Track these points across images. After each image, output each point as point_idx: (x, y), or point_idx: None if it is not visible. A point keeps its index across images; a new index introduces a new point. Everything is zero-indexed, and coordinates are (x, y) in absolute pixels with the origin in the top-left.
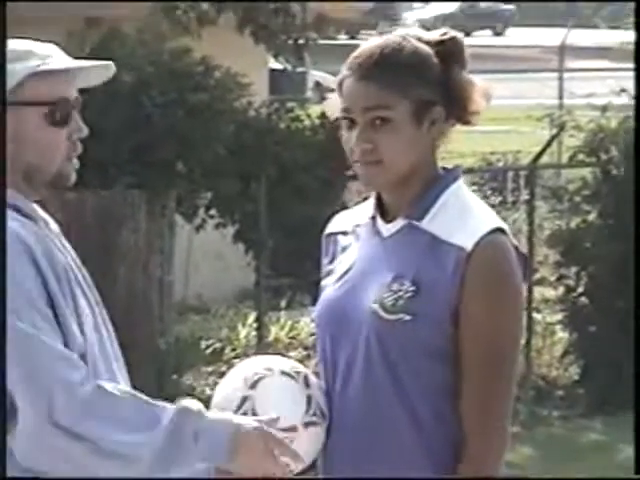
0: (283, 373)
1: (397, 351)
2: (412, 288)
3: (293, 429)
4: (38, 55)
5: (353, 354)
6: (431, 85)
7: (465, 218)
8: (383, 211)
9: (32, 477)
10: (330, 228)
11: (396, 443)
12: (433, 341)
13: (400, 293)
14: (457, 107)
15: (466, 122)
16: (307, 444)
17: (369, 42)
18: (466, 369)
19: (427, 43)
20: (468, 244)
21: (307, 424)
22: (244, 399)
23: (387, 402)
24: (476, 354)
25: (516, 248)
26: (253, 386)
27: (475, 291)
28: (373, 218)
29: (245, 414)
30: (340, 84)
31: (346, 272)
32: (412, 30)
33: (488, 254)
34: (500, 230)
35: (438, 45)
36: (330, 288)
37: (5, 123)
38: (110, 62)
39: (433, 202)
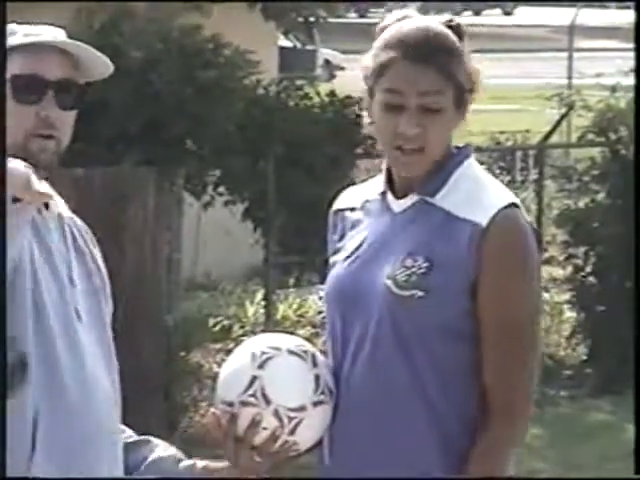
0: (291, 352)
1: (409, 327)
2: (425, 264)
3: (303, 409)
4: (22, 32)
5: (364, 330)
6: (464, 71)
7: (478, 194)
8: (393, 187)
9: (32, 477)
10: (338, 204)
11: (406, 420)
12: (446, 318)
13: (413, 269)
14: (471, 93)
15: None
16: (316, 423)
17: (407, 24)
18: (488, 339)
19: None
20: (483, 220)
21: (316, 403)
22: (253, 379)
23: (398, 379)
24: (496, 326)
25: (529, 224)
26: (262, 366)
27: (492, 265)
28: (383, 194)
29: (254, 394)
30: (386, 65)
31: (357, 248)
32: (411, 13)
33: (504, 228)
34: (514, 205)
35: (457, 28)
36: (340, 264)
37: (5, 121)
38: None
39: (446, 179)
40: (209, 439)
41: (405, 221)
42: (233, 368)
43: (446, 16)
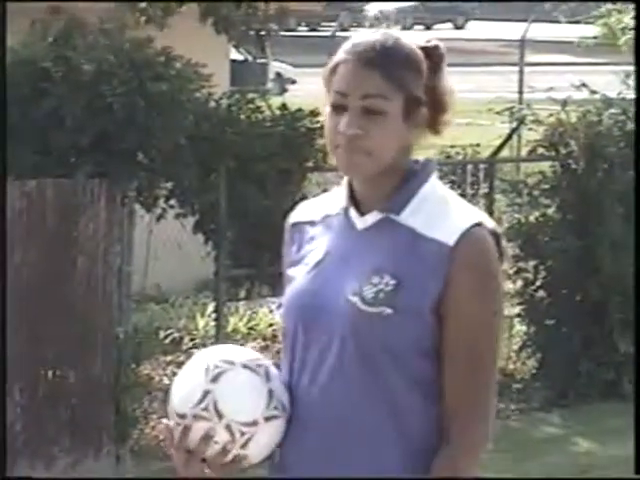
0: (244, 367)
1: (375, 344)
2: (393, 282)
3: (254, 423)
4: None
5: (326, 346)
6: (422, 86)
7: (445, 212)
8: (356, 203)
9: (32, 477)
10: (295, 217)
11: (369, 436)
12: (414, 335)
13: (381, 286)
14: (436, 115)
15: (436, 131)
16: (268, 437)
17: (365, 34)
18: (451, 359)
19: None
20: (450, 239)
21: (268, 418)
22: (206, 393)
23: (362, 395)
24: (461, 344)
25: (494, 232)
26: (215, 380)
27: (459, 285)
28: (345, 210)
29: (206, 408)
30: (335, 68)
31: (318, 263)
32: (395, 32)
33: (471, 249)
34: (480, 224)
35: (423, 51)
36: (301, 279)
37: (6, 123)
38: None
39: (411, 196)
40: (160, 450)
41: (369, 238)
42: (186, 381)
43: (425, 37)
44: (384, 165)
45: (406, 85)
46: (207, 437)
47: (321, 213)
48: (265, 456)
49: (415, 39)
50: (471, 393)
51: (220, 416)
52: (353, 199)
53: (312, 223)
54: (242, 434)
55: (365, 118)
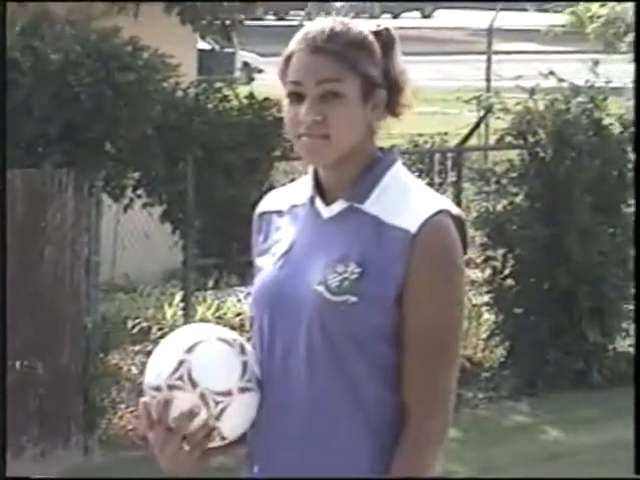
0: (220, 339)
1: (341, 333)
2: (358, 270)
3: (228, 393)
4: None
5: (294, 335)
6: (377, 67)
7: (408, 200)
8: (321, 192)
9: (31, 477)
10: (263, 207)
11: (336, 423)
12: (379, 323)
13: (345, 275)
14: (393, 97)
15: (396, 114)
16: (241, 409)
17: (316, 22)
18: (411, 348)
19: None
20: (412, 226)
21: (242, 389)
22: (180, 363)
23: (329, 383)
24: (421, 333)
25: (458, 218)
26: (189, 350)
27: (420, 273)
28: (311, 199)
29: (181, 377)
30: (288, 58)
31: (285, 253)
32: (344, 18)
33: (432, 236)
34: (443, 211)
35: (375, 35)
36: (269, 268)
37: (5, 124)
38: None
39: (375, 184)
40: (129, 439)
41: (335, 227)
42: (161, 355)
43: (370, 21)
44: (346, 149)
45: (359, 66)
46: (192, 414)
47: (288, 203)
48: (237, 435)
49: (366, 25)
50: (431, 383)
51: (194, 385)
52: (319, 188)
53: (279, 213)
54: (216, 403)
55: (323, 103)
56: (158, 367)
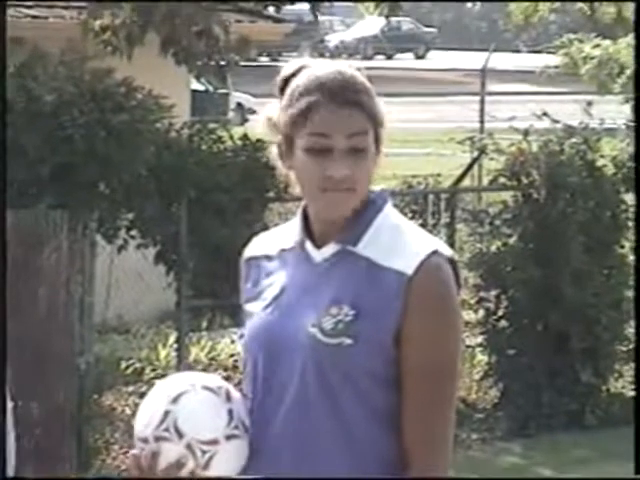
0: (205, 388)
1: (336, 375)
2: (352, 312)
3: (215, 442)
4: None
5: (288, 379)
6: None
7: (401, 241)
8: (311, 235)
9: (35, 477)
10: (250, 252)
11: (331, 465)
12: (374, 365)
13: (339, 317)
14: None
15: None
16: (229, 457)
17: (318, 70)
18: (408, 390)
19: None
20: (408, 269)
21: (229, 437)
22: (166, 413)
23: (324, 426)
24: (419, 375)
25: (451, 260)
26: (175, 401)
27: (418, 315)
28: (301, 243)
29: (167, 428)
30: (309, 110)
31: (277, 297)
32: (308, 61)
33: (430, 278)
34: (437, 253)
35: None
36: (261, 313)
37: (6, 125)
38: None
39: (367, 226)
40: (127, 475)
41: (327, 270)
42: (148, 406)
43: (346, 62)
44: (362, 199)
45: (375, 115)
46: (179, 464)
47: (276, 247)
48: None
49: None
50: (430, 426)
51: (180, 435)
52: (308, 231)
53: (268, 257)
54: (203, 453)
55: (351, 157)
56: (145, 418)
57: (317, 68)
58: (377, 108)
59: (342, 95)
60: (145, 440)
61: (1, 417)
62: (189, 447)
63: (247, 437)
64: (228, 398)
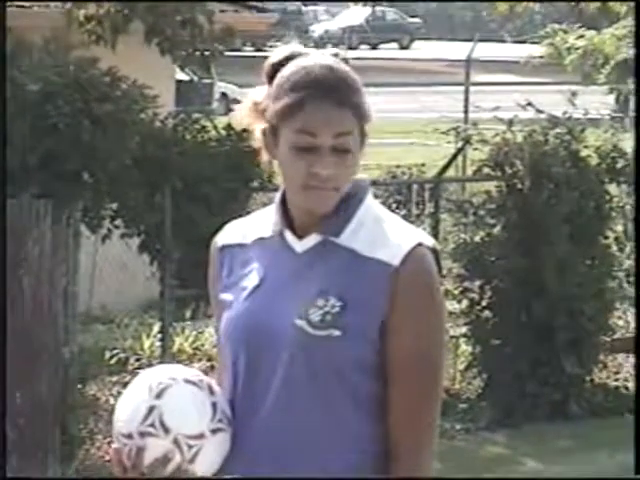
0: (187, 381)
1: (325, 367)
2: (339, 303)
3: (201, 436)
4: None
5: (272, 370)
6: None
7: (384, 233)
8: (291, 225)
9: (31, 477)
10: (223, 239)
11: (317, 457)
12: (363, 355)
13: (327, 309)
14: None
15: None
16: (214, 450)
17: (309, 63)
18: (395, 380)
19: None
20: (394, 260)
21: (214, 430)
22: (151, 409)
23: (313, 418)
24: (406, 365)
25: (434, 250)
26: (159, 396)
27: (404, 305)
28: (280, 232)
29: (152, 424)
30: (297, 106)
31: (257, 287)
32: (298, 48)
33: (415, 270)
34: (421, 244)
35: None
36: (241, 302)
37: (6, 120)
38: None
39: (350, 218)
40: (106, 470)
41: (310, 261)
42: (130, 401)
43: (331, 50)
44: (344, 193)
45: (364, 114)
46: (165, 459)
47: (252, 235)
48: (211, 473)
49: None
50: (417, 416)
51: (166, 430)
52: (287, 221)
53: (243, 246)
54: (189, 447)
55: (335, 156)
56: (128, 414)
57: (308, 61)
58: (366, 106)
59: (333, 95)
60: (129, 436)
61: (1, 412)
62: (176, 442)
63: (230, 430)
64: (211, 391)
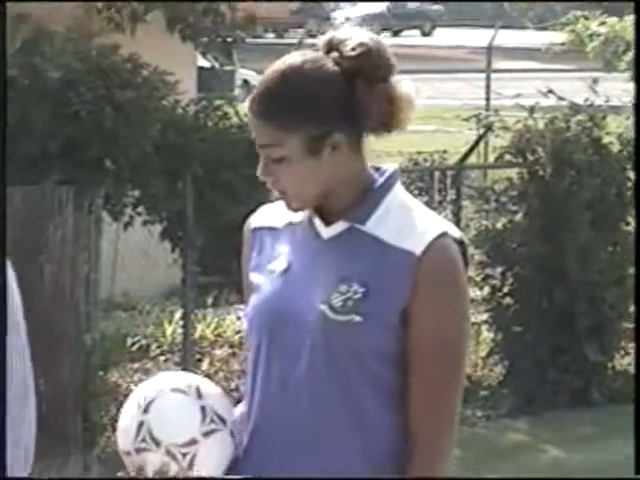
0: (173, 390)
1: (345, 353)
2: (361, 290)
3: (193, 442)
4: None
5: (295, 355)
6: (325, 115)
7: (409, 221)
8: (320, 212)
9: (31, 477)
10: (256, 221)
11: (339, 444)
12: (383, 343)
13: (349, 294)
14: (371, 122)
15: (383, 131)
16: (212, 452)
17: (271, 67)
18: (416, 369)
19: (340, 55)
20: (417, 249)
21: (206, 433)
22: (140, 425)
23: (332, 403)
24: (426, 354)
25: (460, 241)
26: (146, 410)
27: (425, 294)
28: (309, 219)
29: (144, 439)
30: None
31: (284, 271)
32: (339, 33)
33: (438, 259)
34: (446, 233)
35: (349, 60)
36: (267, 286)
37: (6, 123)
38: None
39: (376, 206)
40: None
41: (335, 248)
42: (123, 419)
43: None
44: (310, 198)
45: (298, 125)
46: (162, 471)
47: (284, 220)
48: (221, 471)
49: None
50: (437, 405)
51: (157, 443)
52: (316, 208)
53: (274, 229)
54: (184, 455)
55: (272, 164)
56: (124, 432)
57: (272, 67)
58: (305, 119)
59: (254, 105)
60: (128, 453)
61: (1, 415)
62: (169, 453)
63: (227, 428)
64: (199, 395)
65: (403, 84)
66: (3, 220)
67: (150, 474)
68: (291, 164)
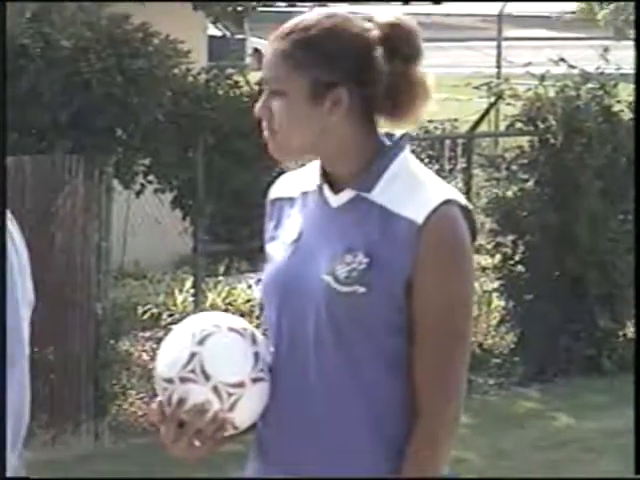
0: (231, 329)
1: (349, 323)
2: (366, 260)
3: (241, 384)
4: None
5: (301, 324)
6: (338, 66)
7: (415, 189)
8: (329, 180)
9: (31, 477)
10: (276, 192)
11: (343, 413)
12: (387, 313)
13: (354, 265)
14: (380, 93)
15: (391, 114)
16: (254, 400)
17: (304, 14)
18: (421, 337)
19: (373, 21)
20: (419, 217)
21: (254, 380)
22: (192, 355)
23: (336, 373)
24: (431, 323)
25: (465, 208)
26: (201, 342)
27: (427, 264)
28: (320, 187)
29: (193, 370)
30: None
31: (295, 241)
32: (337, 13)
33: (439, 227)
34: (450, 201)
35: (379, 26)
36: (279, 256)
37: (6, 124)
38: None
39: (381, 173)
40: (139, 426)
41: (342, 216)
42: (173, 346)
43: (398, 9)
44: (296, 147)
45: (306, 67)
46: (203, 409)
47: (299, 189)
48: (249, 423)
49: (385, 16)
50: (442, 372)
51: (207, 377)
52: (326, 176)
53: (291, 199)
54: (229, 395)
55: (272, 99)
56: (170, 358)
57: (306, 13)
58: (316, 63)
59: (272, 40)
60: (170, 380)
61: (1, 415)
62: (215, 390)
63: (270, 380)
64: (254, 341)
65: (426, 74)
66: (3, 223)
67: (187, 406)
68: (289, 102)
